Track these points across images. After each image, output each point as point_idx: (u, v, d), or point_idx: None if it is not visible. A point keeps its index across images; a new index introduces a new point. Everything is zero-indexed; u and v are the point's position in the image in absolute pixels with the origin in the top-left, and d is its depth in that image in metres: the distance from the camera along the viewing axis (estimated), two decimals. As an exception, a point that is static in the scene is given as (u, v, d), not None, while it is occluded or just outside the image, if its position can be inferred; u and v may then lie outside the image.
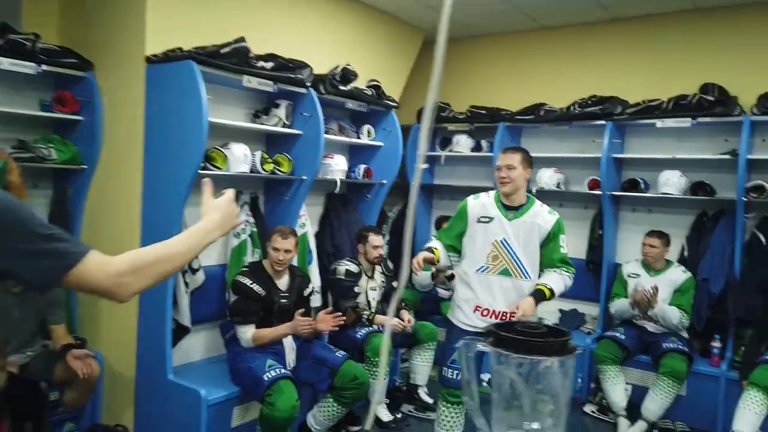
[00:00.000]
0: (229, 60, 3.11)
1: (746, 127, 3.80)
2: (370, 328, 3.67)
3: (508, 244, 2.85)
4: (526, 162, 2.89)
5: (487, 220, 2.88)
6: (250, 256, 3.60)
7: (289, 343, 3.27)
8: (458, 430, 3.00)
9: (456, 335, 2.85)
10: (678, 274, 3.96)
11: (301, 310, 3.19)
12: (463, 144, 5.08)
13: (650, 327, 4.00)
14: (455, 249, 2.98)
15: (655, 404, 3.70)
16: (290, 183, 3.70)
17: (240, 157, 3.33)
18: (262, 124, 3.60)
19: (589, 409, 4.09)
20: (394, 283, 4.21)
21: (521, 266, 2.84)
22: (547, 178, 4.66)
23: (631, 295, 4.00)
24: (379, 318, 3.72)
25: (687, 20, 4.34)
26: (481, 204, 2.96)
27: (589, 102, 4.47)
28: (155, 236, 2.93)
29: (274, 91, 3.44)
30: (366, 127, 4.25)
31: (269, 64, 3.37)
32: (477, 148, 5.05)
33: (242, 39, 3.18)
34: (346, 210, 4.31)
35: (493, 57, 5.24)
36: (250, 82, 3.27)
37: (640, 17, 4.52)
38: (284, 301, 3.28)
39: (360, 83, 4.09)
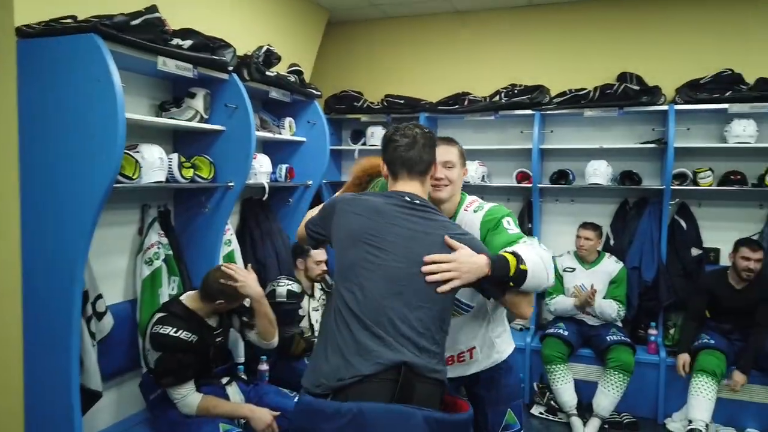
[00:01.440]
0: (142, 35, 2.34)
1: (671, 116, 3.86)
2: (321, 358, 3.12)
3: None
4: (464, 157, 2.14)
5: None
6: (167, 287, 2.85)
7: (235, 395, 2.62)
8: None
9: None
10: (612, 265, 3.94)
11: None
12: (378, 137, 4.64)
13: (590, 321, 3.95)
14: None
15: (607, 399, 3.64)
16: (211, 192, 3.00)
17: (155, 163, 2.57)
18: (173, 118, 2.85)
19: (537, 411, 3.95)
20: (335, 300, 3.69)
21: (459, 301, 2.02)
22: (473, 171, 4.41)
23: (572, 294, 3.91)
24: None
25: (605, 8, 4.33)
26: None
27: (515, 91, 4.29)
28: (46, 276, 2.23)
29: (193, 77, 2.71)
30: (287, 120, 3.64)
31: (187, 42, 2.64)
32: (394, 140, 4.64)
33: (154, 8, 2.42)
34: (267, 218, 3.67)
35: (409, 41, 4.85)
36: (167, 65, 2.52)
37: (558, 3, 4.43)
38: (220, 339, 2.62)
39: (279, 68, 3.46)
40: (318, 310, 3.35)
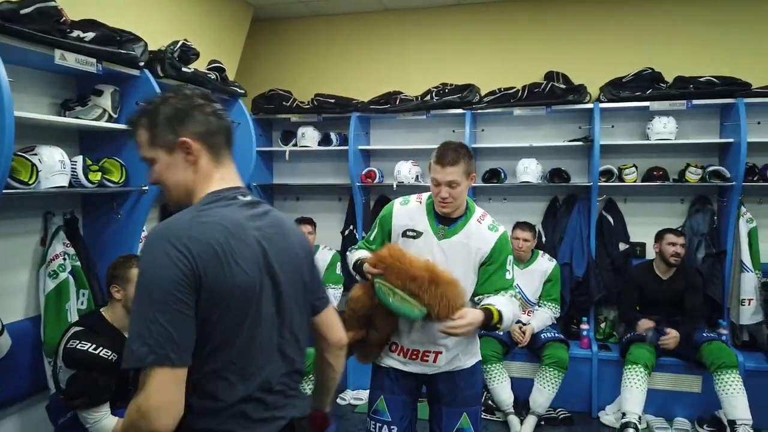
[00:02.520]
0: (34, 26, 2.12)
1: (596, 114, 3.93)
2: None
3: None
4: (470, 164, 2.17)
5: (414, 234, 2.20)
6: (75, 302, 2.62)
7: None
8: None
9: (374, 374, 2.38)
10: (545, 264, 3.96)
11: None
12: (309, 137, 4.51)
13: (524, 318, 3.96)
14: None
15: (543, 396, 3.65)
16: (124, 197, 2.78)
17: (55, 166, 2.35)
18: (77, 117, 2.62)
19: (475, 411, 3.92)
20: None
21: None
22: (406, 171, 4.35)
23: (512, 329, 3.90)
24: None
25: (532, 8, 4.37)
26: (409, 213, 2.25)
27: (446, 90, 4.26)
28: None
29: (97, 73, 2.50)
30: (209, 120, 3.43)
31: (89, 35, 2.42)
32: (325, 141, 4.53)
33: (49, -5, 2.20)
34: (190, 223, 3.46)
35: (339, 39, 4.75)
36: (65, 58, 2.31)
37: (486, 3, 4.44)
38: (143, 359, 2.41)
39: (198, 65, 3.27)
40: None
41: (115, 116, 2.70)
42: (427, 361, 2.20)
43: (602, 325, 4.20)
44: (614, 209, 4.22)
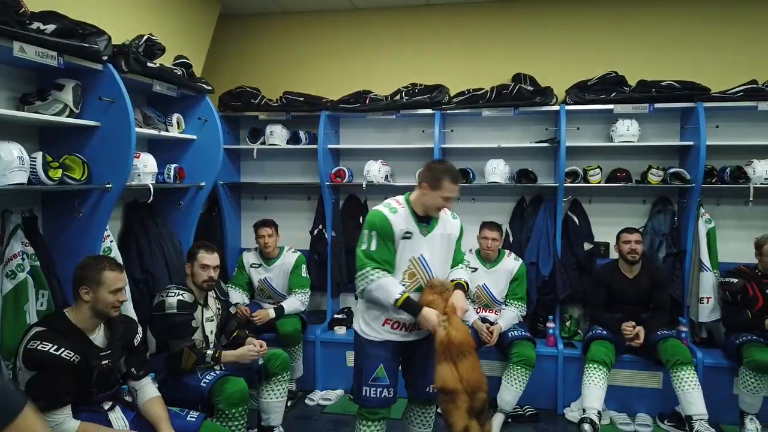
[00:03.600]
0: (-10, 16, 2.04)
1: (563, 116, 4.00)
2: (217, 372, 2.91)
3: (424, 260, 2.65)
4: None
5: (410, 235, 2.61)
6: (34, 303, 2.53)
7: (119, 420, 2.36)
8: None
9: (371, 349, 2.67)
10: (512, 263, 4.00)
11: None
12: (277, 135, 4.46)
13: (491, 317, 4.00)
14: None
15: (510, 394, 3.69)
16: (85, 194, 2.71)
17: (13, 163, 2.27)
18: (37, 112, 2.53)
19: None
20: (232, 309, 3.49)
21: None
22: (376, 171, 4.35)
23: (474, 294, 3.97)
24: (228, 354, 2.98)
25: (500, 10, 4.43)
26: (401, 218, 2.61)
27: (416, 90, 4.27)
28: None
29: (58, 66, 2.42)
30: (175, 117, 3.37)
31: (50, 27, 2.35)
32: (294, 139, 4.48)
33: (7, -15, 2.12)
34: (155, 223, 3.39)
35: (308, 37, 4.72)
36: (25, 51, 2.23)
37: (454, 4, 4.47)
38: (106, 362, 2.35)
39: (164, 60, 3.20)
40: (213, 320, 3.13)
41: (77, 112, 2.62)
42: (422, 328, 2.61)
43: (567, 324, 4.27)
44: (579, 209, 4.30)
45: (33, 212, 2.67)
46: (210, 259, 3.04)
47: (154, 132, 3.15)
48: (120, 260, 2.95)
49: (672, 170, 3.96)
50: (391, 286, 2.53)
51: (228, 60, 4.72)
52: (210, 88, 3.52)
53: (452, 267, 2.80)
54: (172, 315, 2.86)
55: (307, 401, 4.10)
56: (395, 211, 2.61)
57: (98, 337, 2.35)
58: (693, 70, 4.02)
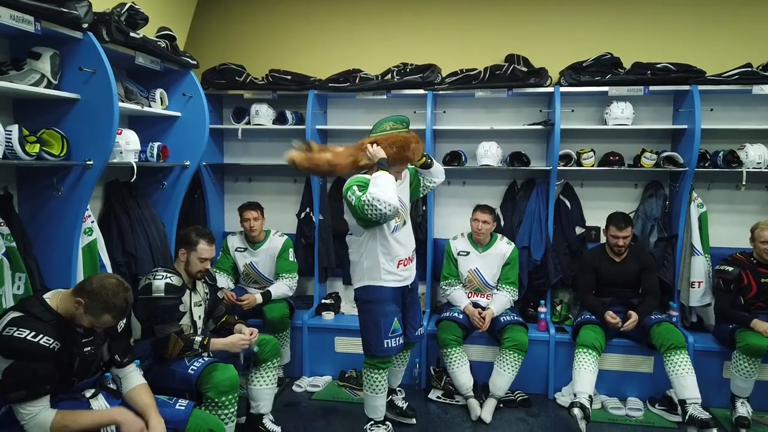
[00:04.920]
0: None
1: (557, 98, 3.92)
2: (205, 359, 2.79)
3: (400, 199, 2.96)
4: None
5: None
6: (10, 287, 2.38)
7: (102, 408, 2.23)
8: (386, 389, 3.20)
9: (387, 305, 3.00)
10: (504, 247, 3.95)
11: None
12: (263, 115, 4.30)
13: (483, 302, 3.94)
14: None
15: (502, 379, 3.64)
16: (65, 171, 2.55)
17: (-13, 135, 2.10)
18: (11, 81, 2.36)
19: (434, 395, 3.88)
20: (220, 293, 3.36)
21: (407, 210, 3.14)
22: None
23: (466, 279, 3.96)
24: (217, 342, 2.86)
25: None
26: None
27: (408, 70, 4.15)
28: None
29: (35, 32, 2.26)
30: (158, 92, 3.21)
31: (25, -10, 2.17)
32: (280, 119, 4.34)
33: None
34: (137, 204, 3.23)
35: (296, 13, 4.54)
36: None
37: (446, -18, 4.35)
38: (89, 349, 2.22)
39: (146, 32, 3.03)
40: (201, 305, 3.01)
41: (55, 83, 2.45)
42: (413, 260, 3.15)
43: (558, 308, 4.24)
44: (571, 193, 4.25)
45: (8, 190, 2.50)
46: (210, 252, 2.94)
47: (137, 107, 2.99)
48: (102, 244, 2.81)
49: (665, 154, 3.93)
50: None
51: (211, 35, 4.54)
52: (195, 62, 3.36)
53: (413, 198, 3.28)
54: (159, 299, 2.73)
55: (294, 388, 4.01)
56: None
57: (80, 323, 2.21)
58: (688, 52, 3.97)
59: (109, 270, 2.82)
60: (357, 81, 4.17)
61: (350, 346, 4.07)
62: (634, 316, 3.59)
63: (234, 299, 3.77)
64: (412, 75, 4.10)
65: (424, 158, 3.09)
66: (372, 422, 3.19)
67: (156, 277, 2.77)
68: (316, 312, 4.32)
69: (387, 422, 3.24)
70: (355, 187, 2.79)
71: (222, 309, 3.19)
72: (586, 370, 3.49)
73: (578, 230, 4.21)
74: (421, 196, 3.34)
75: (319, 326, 4.19)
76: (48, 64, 2.39)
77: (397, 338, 3.03)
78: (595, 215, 4.26)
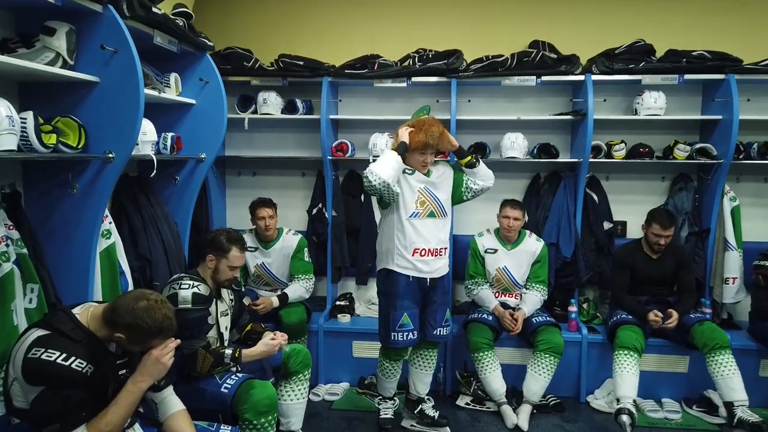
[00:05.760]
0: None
1: (589, 86, 3.73)
2: (238, 375, 2.49)
3: (429, 190, 3.00)
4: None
5: (411, 171, 2.97)
6: (22, 300, 2.04)
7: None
8: (398, 375, 3.24)
9: (398, 299, 2.98)
10: (533, 244, 3.75)
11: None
12: (272, 104, 3.99)
13: (511, 302, 3.75)
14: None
15: (537, 384, 3.46)
16: (82, 166, 2.21)
17: (2, 123, 1.76)
18: (21, 59, 2.01)
19: (463, 401, 3.67)
20: (246, 300, 3.06)
21: (442, 206, 3.03)
22: (383, 144, 3.96)
23: (494, 278, 3.75)
24: (249, 353, 2.57)
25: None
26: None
27: (429, 55, 3.89)
28: None
29: (55, 3, 1.91)
30: (173, 77, 2.88)
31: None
32: (290, 108, 4.03)
33: None
34: (149, 202, 2.90)
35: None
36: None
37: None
38: (124, 372, 1.92)
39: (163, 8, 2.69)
40: (227, 314, 2.70)
41: (71, 63, 2.11)
42: (441, 255, 3.04)
43: (584, 306, 4.07)
44: (598, 187, 4.08)
45: (15, 187, 2.15)
46: (242, 259, 2.65)
47: (155, 93, 2.65)
48: (120, 248, 2.48)
49: (698, 145, 3.79)
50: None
51: (216, 17, 4.19)
52: (211, 44, 3.03)
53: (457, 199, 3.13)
54: (186, 311, 2.41)
55: (311, 396, 3.72)
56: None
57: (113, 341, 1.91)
58: (722, 40, 3.83)
59: (129, 279, 2.50)
60: (375, 67, 3.89)
61: (368, 350, 3.82)
62: (675, 315, 3.44)
63: (250, 303, 3.47)
64: (434, 61, 3.85)
65: (469, 157, 3.05)
66: (381, 397, 3.34)
67: (182, 286, 2.45)
68: (330, 314, 4.05)
69: (395, 398, 3.35)
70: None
71: (247, 317, 2.89)
72: (628, 374, 3.32)
73: (606, 225, 4.04)
74: (466, 199, 3.15)
75: (336, 330, 3.92)
76: (64, 41, 2.05)
77: (406, 333, 3.00)
78: (622, 210, 4.12)
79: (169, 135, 2.87)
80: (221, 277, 2.60)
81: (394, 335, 3.00)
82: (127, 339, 1.85)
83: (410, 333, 2.99)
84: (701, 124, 4.01)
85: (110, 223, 2.42)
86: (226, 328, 2.68)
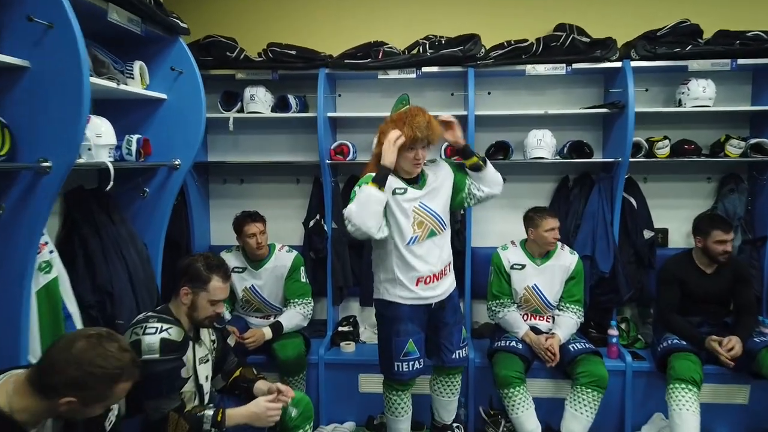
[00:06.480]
0: None
1: (629, 74, 3.23)
2: (222, 444, 1.95)
3: (425, 205, 2.59)
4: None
5: (403, 191, 2.55)
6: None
7: None
8: (409, 411, 2.87)
9: (401, 324, 2.62)
10: (567, 258, 3.22)
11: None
12: (260, 100, 3.45)
13: (543, 326, 3.23)
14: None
15: (579, 424, 2.93)
16: (10, 178, 1.66)
17: None
18: None
19: (490, 443, 3.15)
20: (230, 339, 2.52)
21: (441, 220, 2.63)
22: (389, 145, 3.44)
23: (522, 298, 3.21)
24: (235, 415, 2.02)
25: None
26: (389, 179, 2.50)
27: (442, 42, 3.37)
28: None
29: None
30: (137, 66, 2.32)
31: None
32: (281, 105, 3.49)
33: None
34: (111, 220, 2.35)
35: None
36: None
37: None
38: None
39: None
40: (208, 360, 2.15)
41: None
42: (446, 275, 2.67)
43: (623, 326, 3.56)
44: (636, 190, 3.57)
45: None
46: (225, 291, 2.09)
47: (110, 84, 2.09)
48: (66, 280, 1.93)
49: (753, 141, 3.29)
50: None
51: (194, 1, 3.65)
52: (186, 26, 2.48)
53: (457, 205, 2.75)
54: (152, 362, 1.86)
55: (313, 440, 3.19)
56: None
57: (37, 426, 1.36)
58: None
59: (78, 322, 1.94)
60: (380, 56, 3.36)
61: (377, 384, 3.25)
62: (737, 342, 2.94)
63: (237, 336, 2.93)
64: (448, 48, 3.32)
65: (475, 158, 2.63)
66: None
67: (147, 330, 1.90)
68: (331, 342, 3.52)
69: None
70: (356, 189, 2.48)
71: (234, 360, 2.35)
72: (688, 412, 2.82)
73: (647, 234, 3.53)
74: (467, 206, 2.78)
75: (339, 361, 3.39)
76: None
77: (412, 362, 2.65)
78: (662, 216, 3.62)
79: (135, 137, 2.32)
80: (200, 314, 2.06)
81: (398, 365, 2.65)
82: (79, 402, 1.34)
83: (416, 362, 2.65)
84: (751, 117, 3.51)
85: (51, 252, 1.87)
86: (207, 378, 2.14)
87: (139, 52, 2.41)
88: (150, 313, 2.00)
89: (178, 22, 2.39)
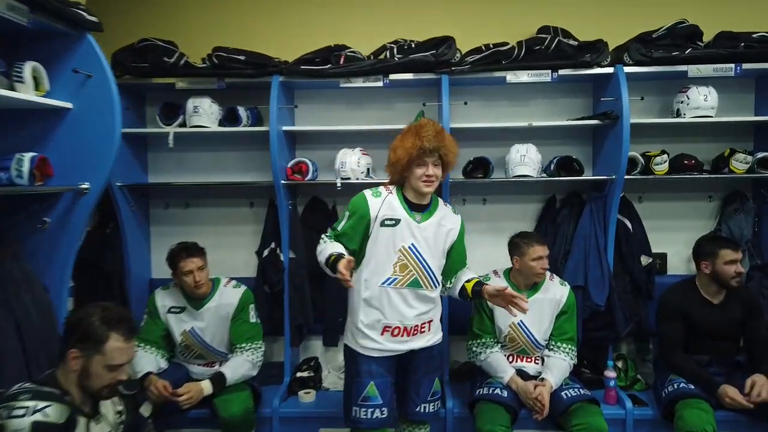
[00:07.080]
0: None
1: (622, 81, 2.86)
2: None
3: (416, 250, 2.31)
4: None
5: (393, 223, 2.30)
6: None
7: None
8: None
9: (363, 364, 2.36)
10: (557, 290, 2.81)
11: None
12: (205, 113, 3.01)
13: (531, 369, 2.80)
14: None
15: (575, 485, 2.51)
16: None
17: None
18: None
19: None
20: (144, 408, 2.05)
21: (431, 275, 2.36)
22: (354, 163, 3.03)
23: (506, 336, 2.78)
24: None
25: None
26: (385, 203, 2.33)
27: (412, 45, 2.97)
28: None
29: None
30: (28, 67, 1.87)
31: None
32: (230, 118, 3.06)
33: None
34: (-4, 258, 1.87)
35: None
36: None
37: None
38: None
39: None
40: (111, 439, 1.68)
41: None
42: (424, 331, 2.38)
43: (619, 365, 3.15)
44: (630, 211, 3.19)
45: None
46: (127, 353, 1.62)
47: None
48: None
49: (760, 155, 2.93)
50: (328, 248, 2.29)
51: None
52: (94, 19, 2.03)
53: (455, 270, 2.50)
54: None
55: None
56: (378, 195, 2.35)
57: None
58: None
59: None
60: (341, 61, 2.94)
61: (343, 439, 2.82)
62: (764, 383, 2.55)
63: (168, 393, 2.45)
64: (419, 52, 2.92)
65: (475, 279, 2.48)
66: None
67: (14, 411, 1.42)
68: (288, 390, 3.05)
69: None
70: (324, 237, 2.41)
71: (151, 434, 1.88)
72: (703, 471, 2.41)
73: (644, 260, 3.15)
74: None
75: (296, 414, 2.92)
76: None
77: (371, 409, 2.36)
78: (659, 239, 3.24)
79: (27, 156, 1.86)
80: (94, 384, 1.59)
81: (355, 410, 2.37)
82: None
83: (377, 409, 2.34)
84: (755, 129, 3.17)
85: None
86: (109, 464, 1.66)
87: (35, 53, 1.95)
88: (26, 385, 1.53)
89: (83, 14, 1.94)
